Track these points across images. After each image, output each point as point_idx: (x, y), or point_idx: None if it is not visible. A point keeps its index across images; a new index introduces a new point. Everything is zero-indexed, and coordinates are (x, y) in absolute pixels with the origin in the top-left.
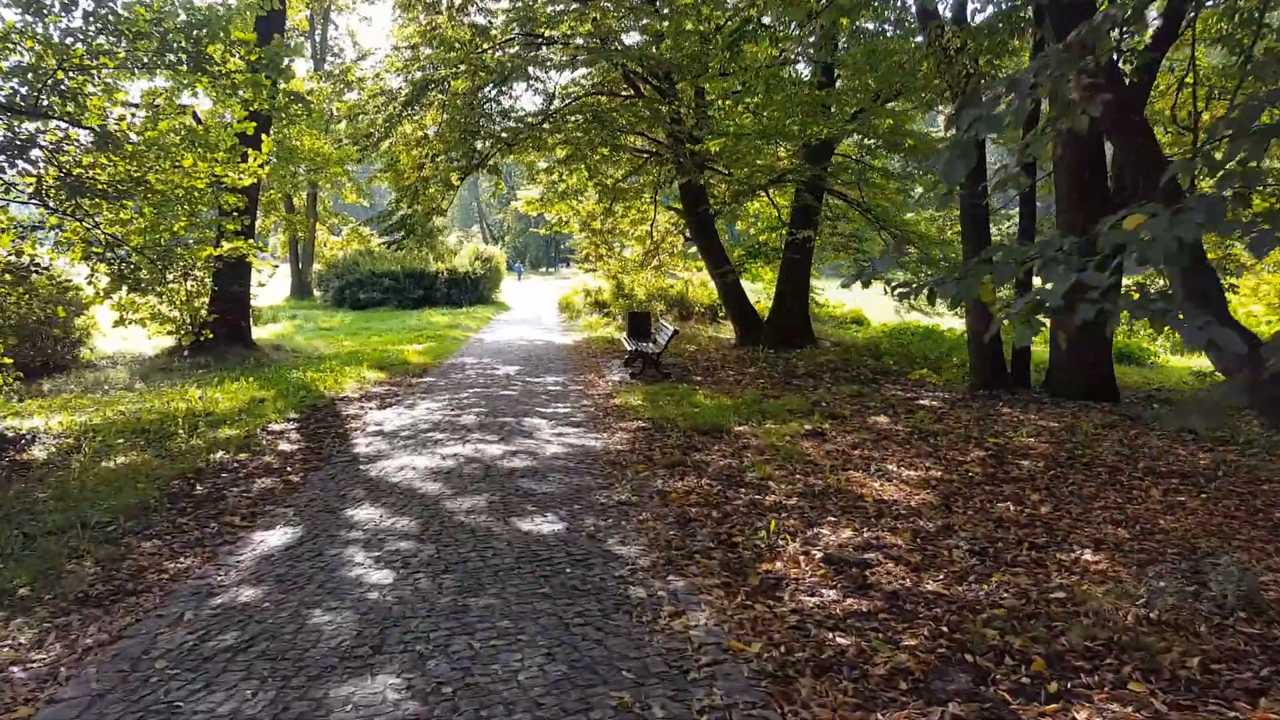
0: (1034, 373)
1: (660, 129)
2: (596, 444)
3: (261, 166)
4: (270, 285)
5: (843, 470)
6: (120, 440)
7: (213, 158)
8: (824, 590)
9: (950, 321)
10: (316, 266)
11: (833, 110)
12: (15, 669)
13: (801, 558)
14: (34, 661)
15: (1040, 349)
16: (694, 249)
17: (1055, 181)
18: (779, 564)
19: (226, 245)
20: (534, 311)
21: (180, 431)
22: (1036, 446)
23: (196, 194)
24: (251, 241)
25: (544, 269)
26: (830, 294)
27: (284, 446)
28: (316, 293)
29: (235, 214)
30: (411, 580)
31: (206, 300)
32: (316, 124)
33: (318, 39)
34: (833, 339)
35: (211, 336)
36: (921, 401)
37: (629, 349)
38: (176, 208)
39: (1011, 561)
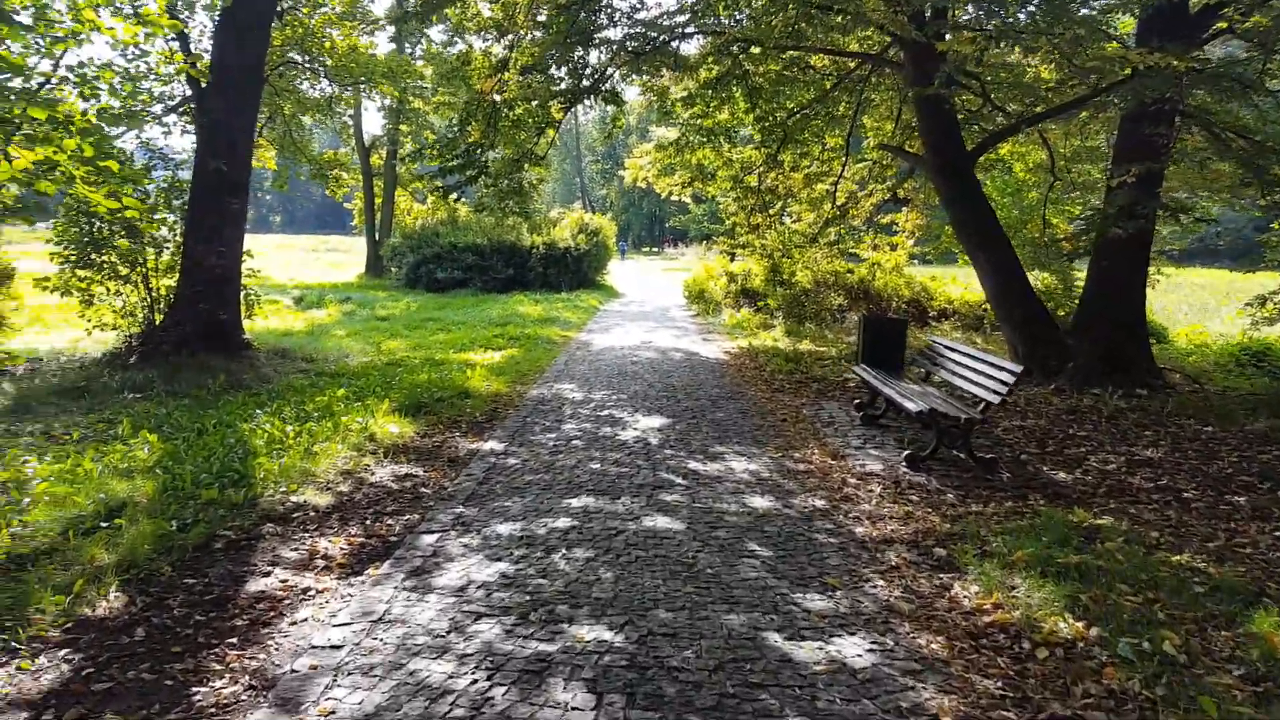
0: None
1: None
2: None
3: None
4: (347, 261)
5: None
6: None
7: None
8: None
9: None
10: (393, 239)
11: None
12: None
13: None
14: None
15: None
16: (890, 217)
17: None
18: None
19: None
20: (653, 299)
21: None
22: None
23: None
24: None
25: (647, 248)
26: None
27: None
28: (393, 270)
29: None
30: None
31: (176, 279)
32: None
33: None
34: (1164, 364)
35: (136, 334)
36: None
37: (884, 393)
38: None
39: None
